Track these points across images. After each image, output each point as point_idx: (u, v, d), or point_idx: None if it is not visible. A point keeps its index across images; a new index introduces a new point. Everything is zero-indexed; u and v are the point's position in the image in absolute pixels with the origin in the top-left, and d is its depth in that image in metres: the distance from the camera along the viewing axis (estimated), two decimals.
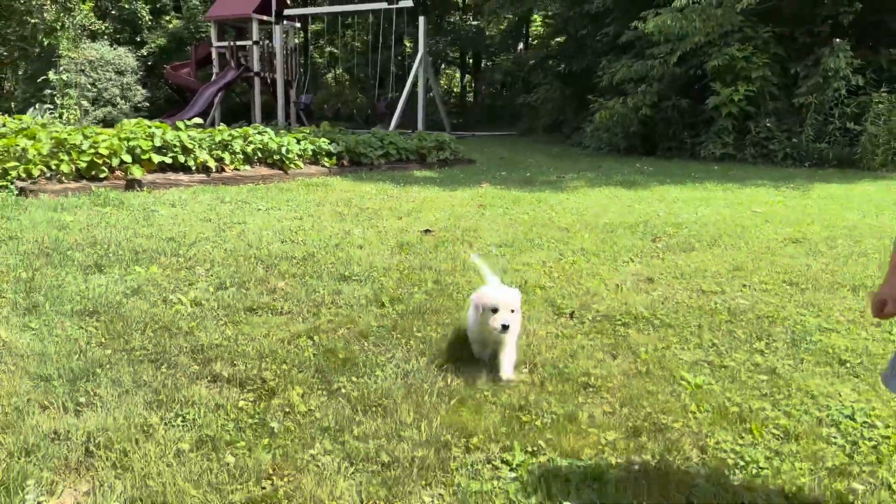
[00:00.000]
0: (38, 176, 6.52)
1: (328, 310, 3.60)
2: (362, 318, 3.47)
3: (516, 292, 2.81)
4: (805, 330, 3.38)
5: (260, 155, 8.74)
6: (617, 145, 15.44)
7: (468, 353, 2.96)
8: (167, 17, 34.25)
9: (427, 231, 5.88)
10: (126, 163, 7.10)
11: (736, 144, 13.01)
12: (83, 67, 26.66)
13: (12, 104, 24.26)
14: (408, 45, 33.72)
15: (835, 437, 2.33)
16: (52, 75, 17.79)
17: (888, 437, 2.32)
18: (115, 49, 29.06)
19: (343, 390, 2.64)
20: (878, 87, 12.09)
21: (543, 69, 23.14)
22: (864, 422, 2.43)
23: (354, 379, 2.74)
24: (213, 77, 27.71)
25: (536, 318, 3.53)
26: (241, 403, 2.49)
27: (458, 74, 44.11)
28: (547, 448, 2.24)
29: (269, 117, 26.47)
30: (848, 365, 2.95)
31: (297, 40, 31.94)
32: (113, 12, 33.75)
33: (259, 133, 8.91)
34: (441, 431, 2.33)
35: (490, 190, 8.72)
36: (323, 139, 9.71)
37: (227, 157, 8.23)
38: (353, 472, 2.08)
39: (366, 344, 3.13)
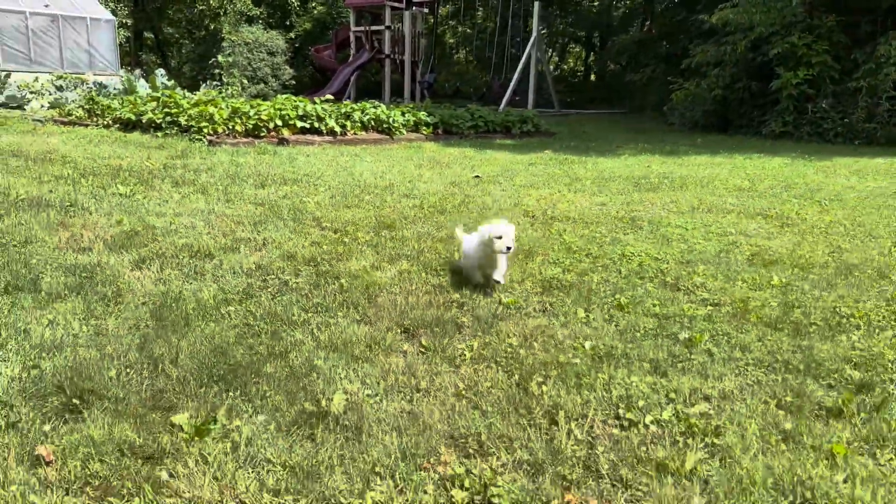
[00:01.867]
0: (221, 132, 9.60)
1: (390, 208, 6.23)
2: (407, 211, 6.08)
3: (512, 227, 3.76)
4: (637, 218, 5.64)
5: (373, 123, 11.52)
6: (697, 122, 17.14)
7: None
8: (313, 4, 38.06)
9: (477, 176, 8.39)
10: (278, 126, 10.07)
11: (795, 123, 14.48)
12: (242, 49, 30.61)
13: (181, 80, 28.36)
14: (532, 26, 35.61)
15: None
16: (221, 58, 21.48)
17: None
18: (267, 32, 32.87)
19: (385, 235, 5.23)
20: None
21: (651, 50, 24.70)
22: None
23: (393, 233, 5.33)
24: (350, 58, 31.07)
25: (517, 219, 6.00)
26: (331, 237, 5.15)
27: (582, 54, 45.56)
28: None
29: (397, 94, 29.63)
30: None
31: (425, 25, 34.85)
32: None
33: (374, 107, 11.70)
34: (423, 245, 4.87)
35: (548, 154, 11.06)
36: (422, 112, 12.39)
37: (348, 124, 11.06)
38: (385, 260, 4.66)
39: (404, 221, 5.72)
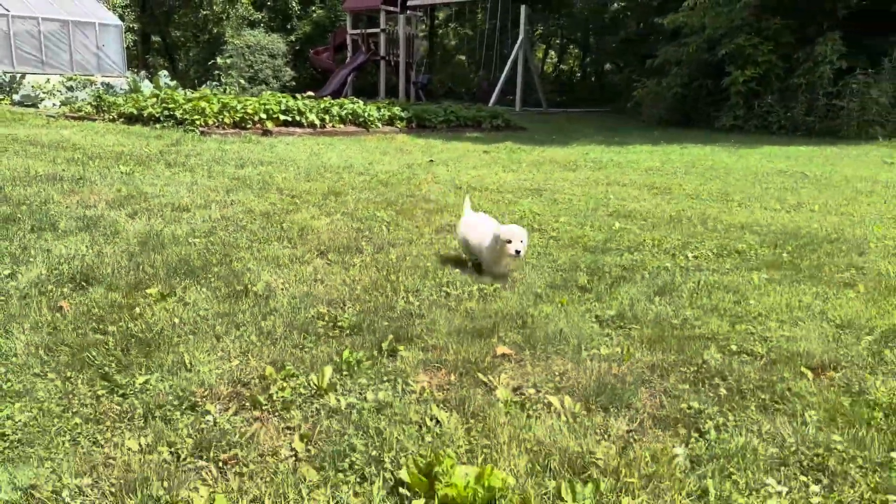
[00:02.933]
0: (212, 124, 10.94)
1: (343, 182, 7.54)
2: (357, 183, 7.39)
3: (524, 231, 3.87)
4: (594, 198, 6.93)
5: (350, 117, 12.86)
6: (661, 118, 18.41)
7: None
8: (313, 7, 39.46)
9: (431, 161, 9.70)
10: (262, 118, 11.41)
11: (744, 117, 15.75)
12: (243, 52, 32.01)
13: (186, 81, 29.83)
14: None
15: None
16: (219, 59, 22.86)
17: None
18: (269, 35, 34.21)
19: (332, 199, 6.53)
20: (869, 69, 14.45)
21: (630, 51, 25.99)
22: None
23: (338, 198, 6.63)
24: (347, 60, 32.43)
25: (446, 190, 7.29)
26: (287, 199, 6.45)
27: (574, 53, 46.76)
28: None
29: (392, 94, 30.97)
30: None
31: (422, 27, 36.22)
32: (269, 3, 39.42)
33: (351, 103, 13.03)
34: (359, 205, 6.18)
35: (506, 145, 12.36)
36: (396, 108, 13.72)
37: (327, 118, 12.40)
38: (323, 214, 5.96)
39: (351, 190, 7.03)
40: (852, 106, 13.97)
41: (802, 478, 2.00)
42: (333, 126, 12.42)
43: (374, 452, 2.15)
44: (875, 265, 4.37)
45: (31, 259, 4.23)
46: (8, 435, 2.27)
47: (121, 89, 17.51)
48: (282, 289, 3.88)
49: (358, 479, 2.03)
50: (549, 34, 41.72)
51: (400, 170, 8.56)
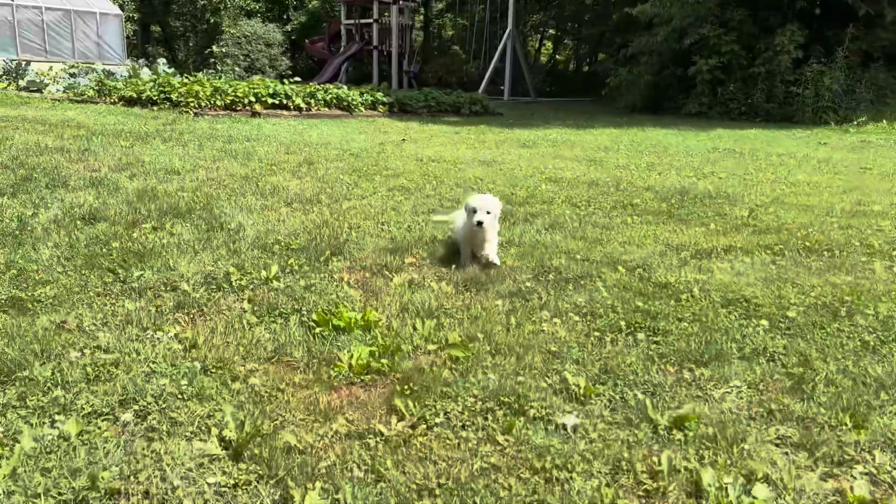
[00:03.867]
0: (204, 106, 11.92)
1: (318, 154, 8.52)
2: (330, 156, 8.36)
3: (495, 200, 3.62)
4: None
5: (335, 101, 13.83)
6: (636, 105, 19.38)
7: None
8: None
9: (403, 140, 10.67)
10: (251, 101, 12.39)
11: (709, 104, 16.71)
12: (239, 41, 32.84)
13: (185, 70, 30.65)
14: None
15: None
16: (215, 48, 23.77)
17: None
18: (265, 25, 35.02)
19: (305, 167, 7.50)
20: (825, 58, 15.41)
21: (611, 41, 26.93)
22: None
23: (311, 166, 7.60)
24: (341, 49, 33.32)
25: (407, 163, 8.24)
26: (266, 167, 7.43)
27: (569, 45, 47.59)
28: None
29: (386, 83, 31.86)
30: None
31: (418, 18, 37.07)
32: None
33: (336, 88, 14.00)
34: (329, 173, 7.16)
35: (479, 128, 13.34)
36: (379, 93, 14.68)
37: (313, 102, 13.37)
38: (295, 178, 6.96)
39: (324, 161, 8.00)
40: (807, 93, 14.94)
41: (574, 316, 3.01)
42: (318, 109, 13.38)
43: (295, 306, 3.15)
44: (736, 213, 5.37)
45: (49, 205, 5.22)
46: (43, 301, 3.26)
47: (121, 76, 18.46)
48: (250, 226, 4.87)
49: (283, 320, 3.04)
50: (540, 25, 42.56)
51: (372, 146, 9.53)
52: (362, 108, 13.93)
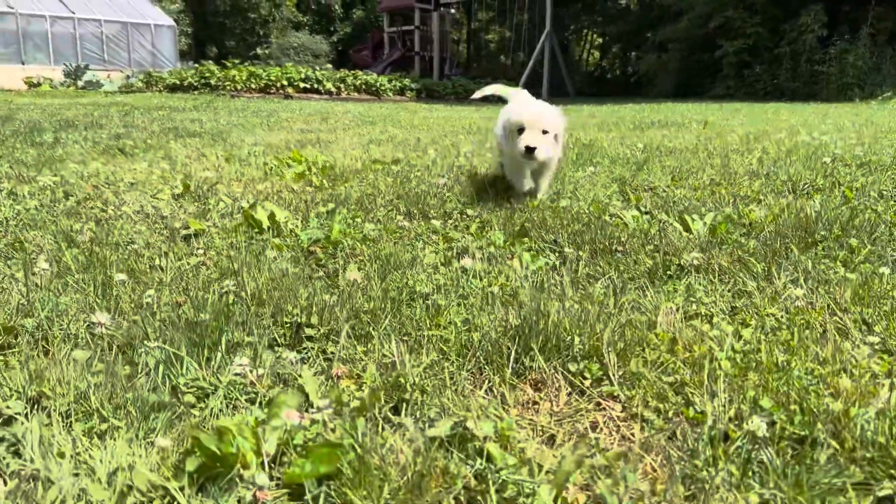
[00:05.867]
0: (240, 89, 12.77)
1: (334, 115, 9.17)
2: (346, 121, 9.00)
3: (555, 113, 2.50)
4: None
5: (364, 87, 14.55)
6: (667, 92, 19.61)
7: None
8: (354, 10, 41.54)
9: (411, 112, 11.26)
10: (284, 85, 13.20)
11: (735, 86, 16.87)
12: (288, 52, 34.03)
13: None
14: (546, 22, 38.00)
15: None
16: (259, 50, 24.90)
17: None
18: (313, 37, 36.17)
19: (317, 120, 8.16)
20: (849, 35, 15.46)
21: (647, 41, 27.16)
22: None
23: (325, 120, 8.25)
24: (385, 56, 34.27)
25: (397, 128, 8.83)
26: (276, 121, 8.11)
27: (614, 51, 47.81)
28: None
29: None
30: None
31: (460, 24, 37.89)
32: (313, 7, 41.63)
33: (365, 74, 14.73)
34: (343, 126, 7.79)
35: (490, 108, 13.83)
36: (407, 80, 15.36)
37: (342, 86, 14.12)
38: (309, 128, 7.61)
39: (337, 117, 8.64)
40: (831, 70, 15.00)
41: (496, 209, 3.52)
42: (348, 94, 14.12)
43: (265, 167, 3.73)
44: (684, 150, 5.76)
45: (87, 138, 5.97)
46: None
47: None
48: (249, 143, 5.52)
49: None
50: (580, 29, 42.89)
51: (382, 115, 10.16)
52: (390, 94, 14.61)
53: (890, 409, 1.12)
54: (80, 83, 18.63)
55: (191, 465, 0.99)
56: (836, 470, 1.02)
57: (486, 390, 1.31)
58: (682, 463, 1.07)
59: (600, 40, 46.82)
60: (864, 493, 0.99)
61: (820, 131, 6.05)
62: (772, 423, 1.13)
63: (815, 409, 1.13)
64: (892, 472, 1.01)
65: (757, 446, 1.07)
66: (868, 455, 1.04)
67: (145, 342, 1.37)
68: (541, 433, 1.17)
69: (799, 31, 15.75)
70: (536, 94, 14.72)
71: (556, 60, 31.00)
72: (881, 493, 0.98)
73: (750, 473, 1.02)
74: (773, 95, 16.15)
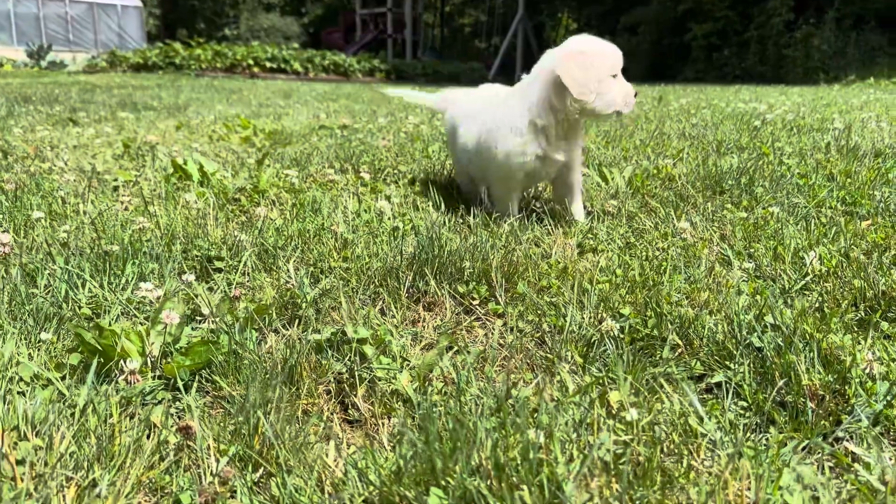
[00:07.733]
0: (206, 68, 12.66)
1: (298, 92, 9.16)
2: (309, 95, 9.00)
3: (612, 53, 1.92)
4: None
5: (333, 67, 14.49)
6: (635, 76, 19.74)
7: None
8: None
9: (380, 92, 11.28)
10: (250, 64, 13.11)
11: (705, 70, 17.05)
12: (258, 34, 33.70)
13: None
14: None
15: None
16: (227, 31, 24.62)
17: None
18: (284, 19, 35.84)
19: (280, 96, 8.15)
20: (814, 21, 15.67)
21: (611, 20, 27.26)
22: None
23: (286, 97, 8.25)
24: (357, 39, 34.03)
25: (361, 105, 8.85)
26: (237, 96, 8.10)
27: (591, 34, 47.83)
28: None
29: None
30: None
31: (434, 7, 37.69)
32: None
33: (333, 55, 14.67)
34: (311, 98, 7.80)
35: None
36: (376, 60, 15.31)
37: (310, 66, 14.05)
38: (275, 99, 7.62)
39: (301, 93, 8.64)
40: (797, 54, 15.20)
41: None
42: (316, 74, 14.06)
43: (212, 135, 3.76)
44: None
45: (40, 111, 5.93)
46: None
47: None
48: (209, 113, 5.53)
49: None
50: (554, 12, 42.91)
51: (350, 92, 10.16)
52: (359, 74, 14.58)
53: (737, 312, 1.22)
54: (43, 63, 18.32)
55: (74, 359, 1.05)
56: (679, 362, 1.11)
57: (379, 310, 1.39)
58: (541, 359, 1.16)
59: (575, 25, 46.99)
60: (698, 382, 1.09)
61: (768, 104, 6.19)
62: (628, 328, 1.22)
63: (668, 315, 1.23)
64: (727, 363, 1.11)
65: (606, 343, 1.16)
66: (706, 350, 1.14)
67: (50, 265, 1.43)
68: (421, 342, 1.25)
69: (767, 14, 15.94)
70: (510, 78, 14.57)
71: (530, 44, 31.07)
72: (713, 381, 1.08)
73: (592, 359, 1.12)
74: (742, 79, 16.33)
